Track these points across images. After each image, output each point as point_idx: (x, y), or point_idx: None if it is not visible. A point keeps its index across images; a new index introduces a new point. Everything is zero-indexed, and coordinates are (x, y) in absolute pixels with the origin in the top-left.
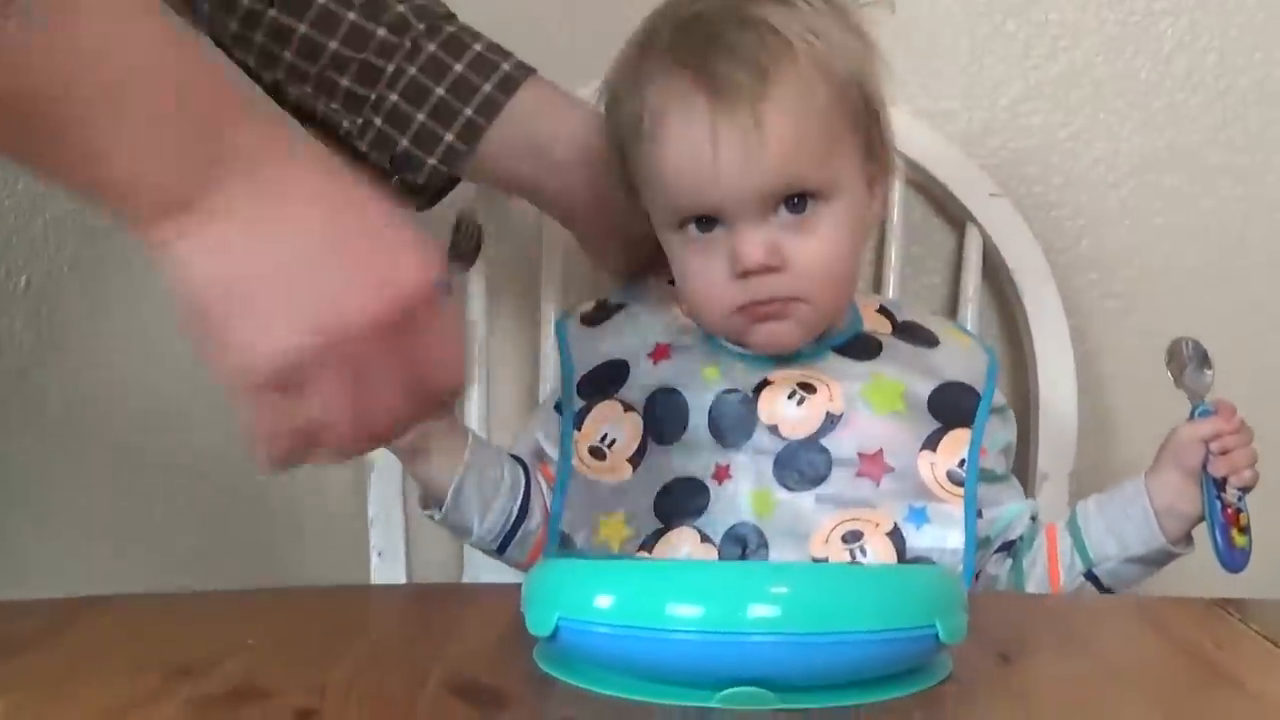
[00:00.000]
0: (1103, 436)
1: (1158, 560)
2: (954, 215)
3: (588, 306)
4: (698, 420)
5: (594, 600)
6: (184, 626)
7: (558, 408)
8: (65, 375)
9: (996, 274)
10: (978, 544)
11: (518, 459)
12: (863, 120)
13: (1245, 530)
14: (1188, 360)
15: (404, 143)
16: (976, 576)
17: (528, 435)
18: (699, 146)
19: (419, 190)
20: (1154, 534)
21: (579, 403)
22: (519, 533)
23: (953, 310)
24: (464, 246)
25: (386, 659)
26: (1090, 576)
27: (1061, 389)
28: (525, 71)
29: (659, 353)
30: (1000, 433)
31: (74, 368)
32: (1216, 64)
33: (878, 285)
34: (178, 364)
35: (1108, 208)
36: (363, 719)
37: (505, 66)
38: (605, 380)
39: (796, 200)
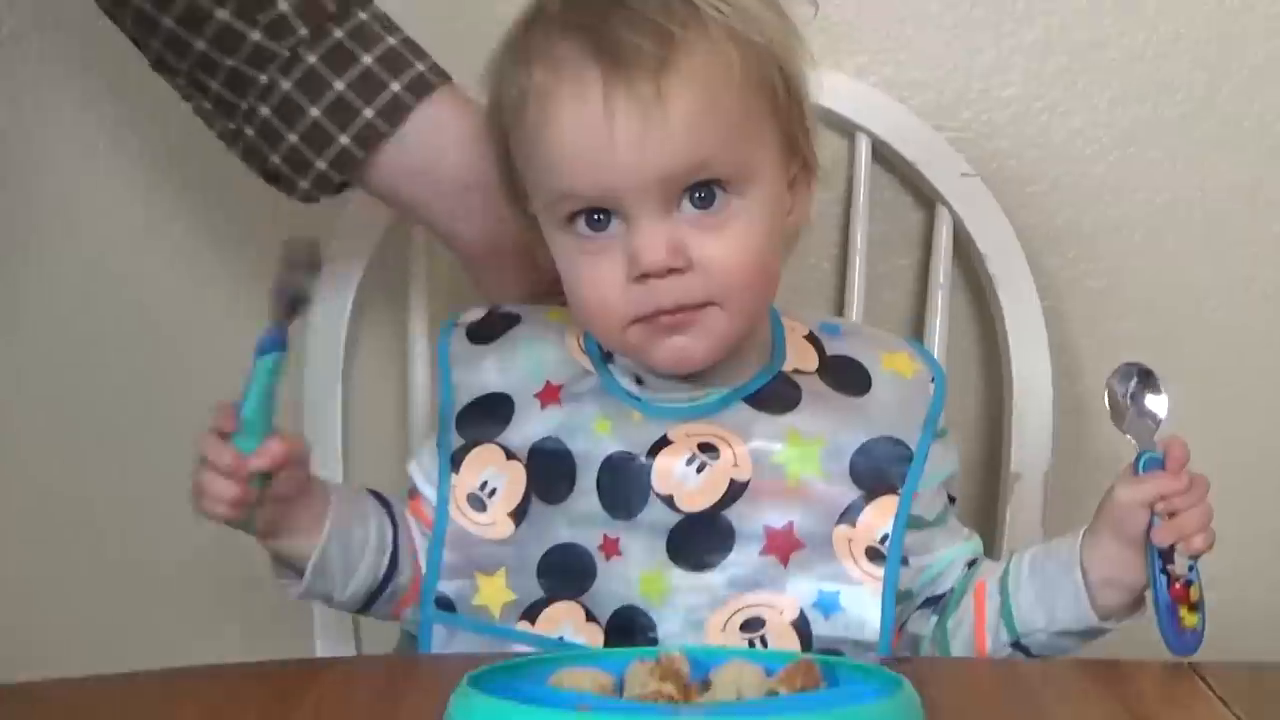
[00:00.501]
0: (1080, 429)
1: (1092, 635)
2: (923, 194)
3: (475, 316)
4: (585, 484)
5: None
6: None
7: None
8: None
9: (968, 256)
10: (897, 602)
11: (381, 499)
12: (783, 107)
13: (1197, 607)
14: (1128, 395)
15: (288, 143)
16: (900, 631)
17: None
18: (592, 122)
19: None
20: (1085, 612)
21: (457, 440)
22: (386, 591)
23: (922, 296)
24: (297, 281)
25: None
26: (1018, 646)
27: (1037, 384)
28: (439, 78)
29: (548, 394)
30: (940, 465)
31: None
32: (1204, 28)
33: (843, 268)
34: None
35: (1087, 183)
36: None
37: (420, 67)
38: (487, 418)
39: (703, 192)
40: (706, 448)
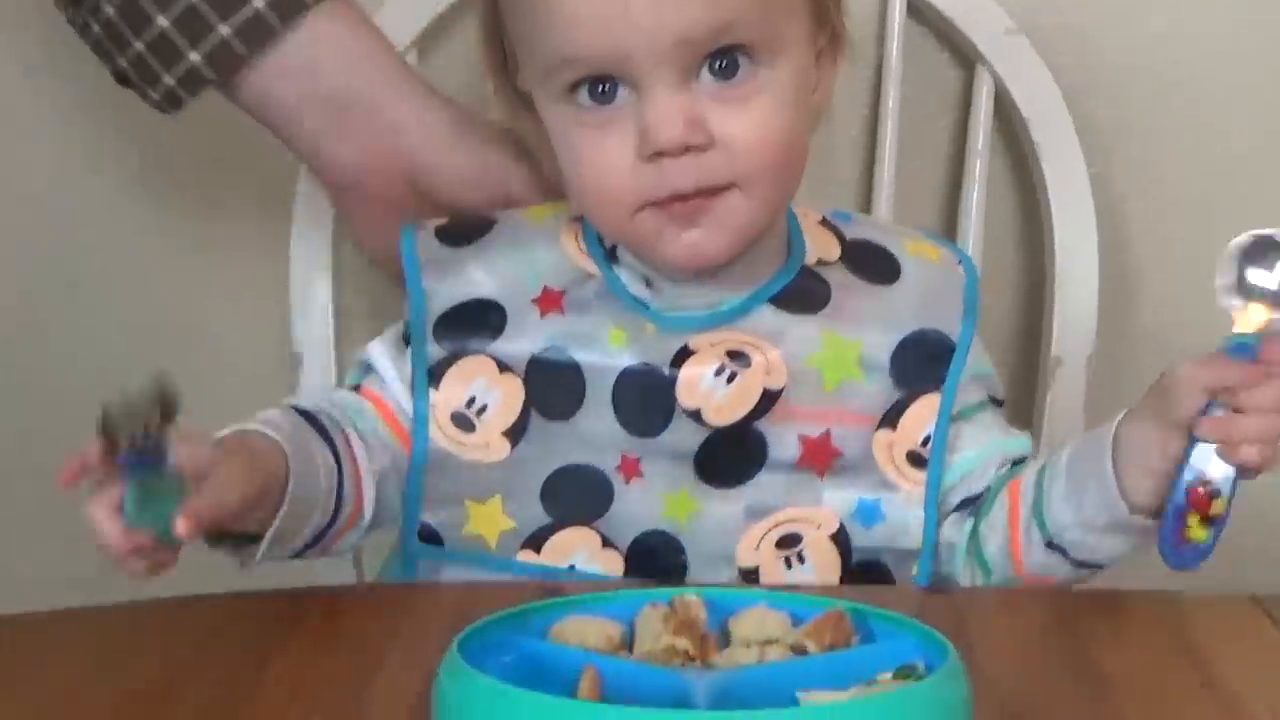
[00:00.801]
0: (1127, 307)
1: (1129, 532)
2: (962, 53)
3: (440, 220)
4: (598, 397)
5: None
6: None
7: (406, 341)
8: None
9: (1010, 121)
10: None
11: (315, 424)
12: None
13: (1212, 522)
14: (1243, 264)
15: (134, 50)
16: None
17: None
18: None
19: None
20: (1113, 500)
21: (436, 351)
22: (330, 531)
23: (958, 164)
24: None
25: None
26: (1053, 546)
27: (1081, 259)
28: None
29: (547, 300)
30: (978, 357)
31: None
32: None
33: (873, 132)
34: None
35: (1141, 38)
36: None
37: None
38: (473, 326)
39: (725, 61)
40: (736, 355)
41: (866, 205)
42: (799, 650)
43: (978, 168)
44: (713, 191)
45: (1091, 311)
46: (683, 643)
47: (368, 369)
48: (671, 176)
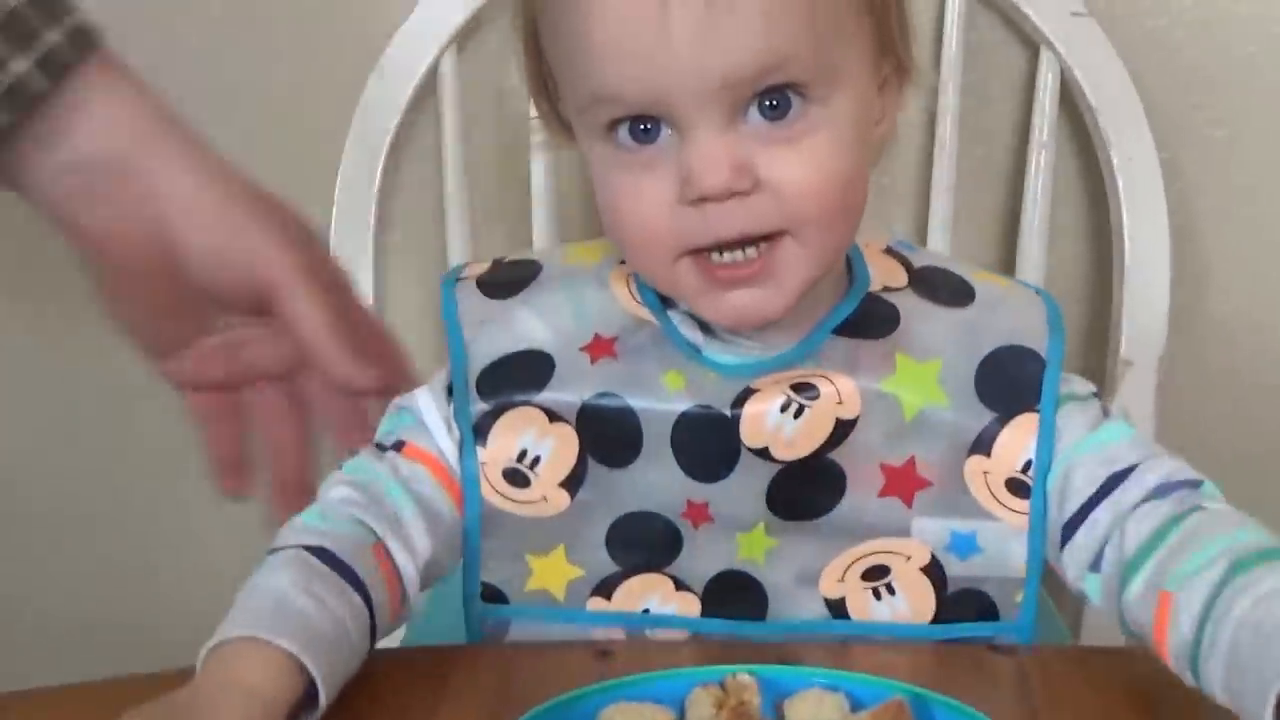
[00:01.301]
0: (1196, 304)
1: None
2: (1026, 35)
3: (481, 267)
4: (657, 443)
5: None
6: None
7: (449, 391)
8: None
9: (1075, 108)
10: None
11: (335, 563)
12: (883, 2)
13: None
14: None
15: None
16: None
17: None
18: (640, 9)
19: None
20: None
21: (480, 406)
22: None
23: (1022, 153)
24: None
25: None
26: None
27: (1153, 255)
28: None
29: (598, 347)
30: (1069, 386)
31: None
32: None
33: (931, 121)
34: None
35: (1214, 17)
36: None
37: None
38: (518, 378)
39: (775, 99)
40: (801, 387)
41: (925, 199)
42: None
43: (1042, 158)
44: (764, 239)
45: (1163, 310)
46: None
47: (414, 420)
48: (714, 223)
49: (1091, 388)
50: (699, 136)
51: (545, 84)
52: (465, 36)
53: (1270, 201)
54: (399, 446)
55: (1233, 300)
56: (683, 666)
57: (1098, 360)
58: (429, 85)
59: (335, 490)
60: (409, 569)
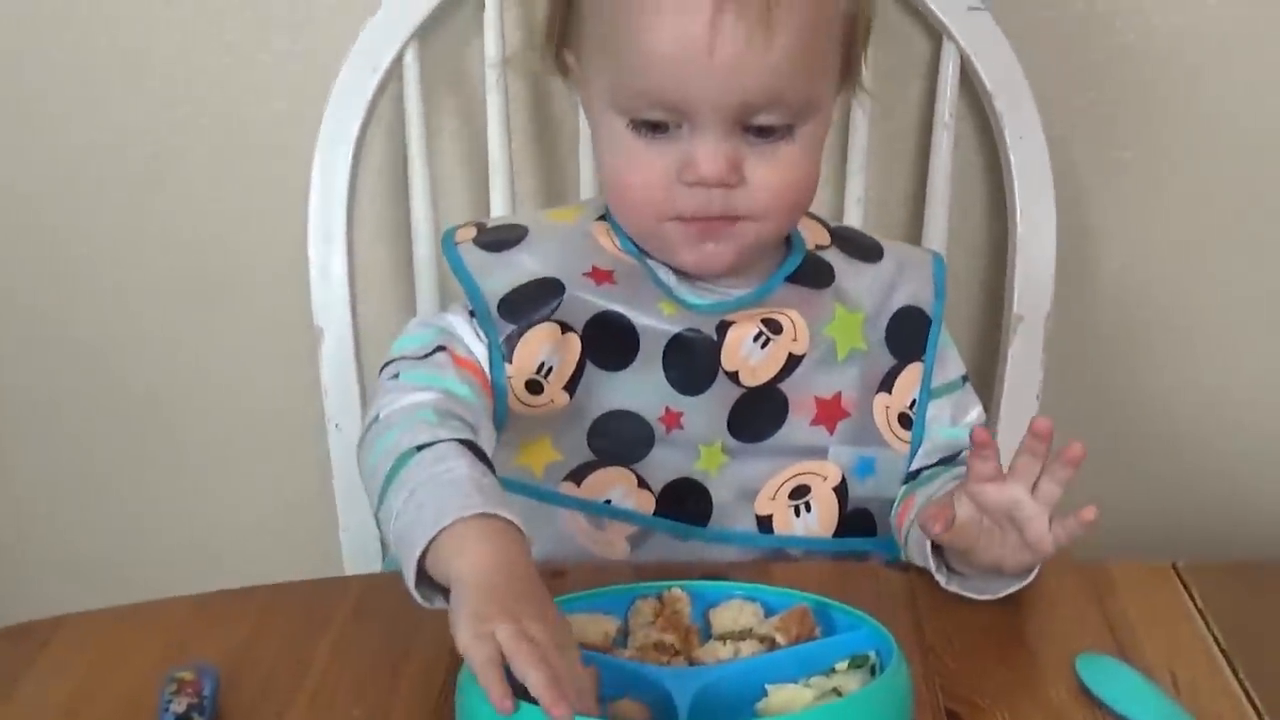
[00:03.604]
0: (1083, 265)
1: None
2: (931, 26)
3: (470, 231)
4: (650, 353)
5: None
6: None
7: (472, 314)
8: None
9: (975, 92)
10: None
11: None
12: (858, 34)
13: None
14: None
15: None
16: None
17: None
18: (695, 31)
19: None
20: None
21: (505, 326)
22: None
23: (927, 130)
24: None
25: None
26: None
27: (1041, 223)
28: None
29: (599, 275)
30: (944, 334)
31: None
32: None
33: (845, 105)
34: None
35: (1099, 8)
36: None
37: None
38: (535, 300)
39: (770, 119)
40: (769, 322)
41: (841, 169)
42: (769, 642)
43: (945, 137)
44: (733, 219)
45: (1049, 271)
46: (669, 638)
47: (447, 332)
48: (703, 201)
49: (962, 370)
50: (707, 136)
51: (563, 28)
52: (426, 30)
53: (1146, 174)
54: (440, 350)
55: (1116, 260)
56: (625, 583)
57: (994, 316)
58: (394, 72)
59: (416, 395)
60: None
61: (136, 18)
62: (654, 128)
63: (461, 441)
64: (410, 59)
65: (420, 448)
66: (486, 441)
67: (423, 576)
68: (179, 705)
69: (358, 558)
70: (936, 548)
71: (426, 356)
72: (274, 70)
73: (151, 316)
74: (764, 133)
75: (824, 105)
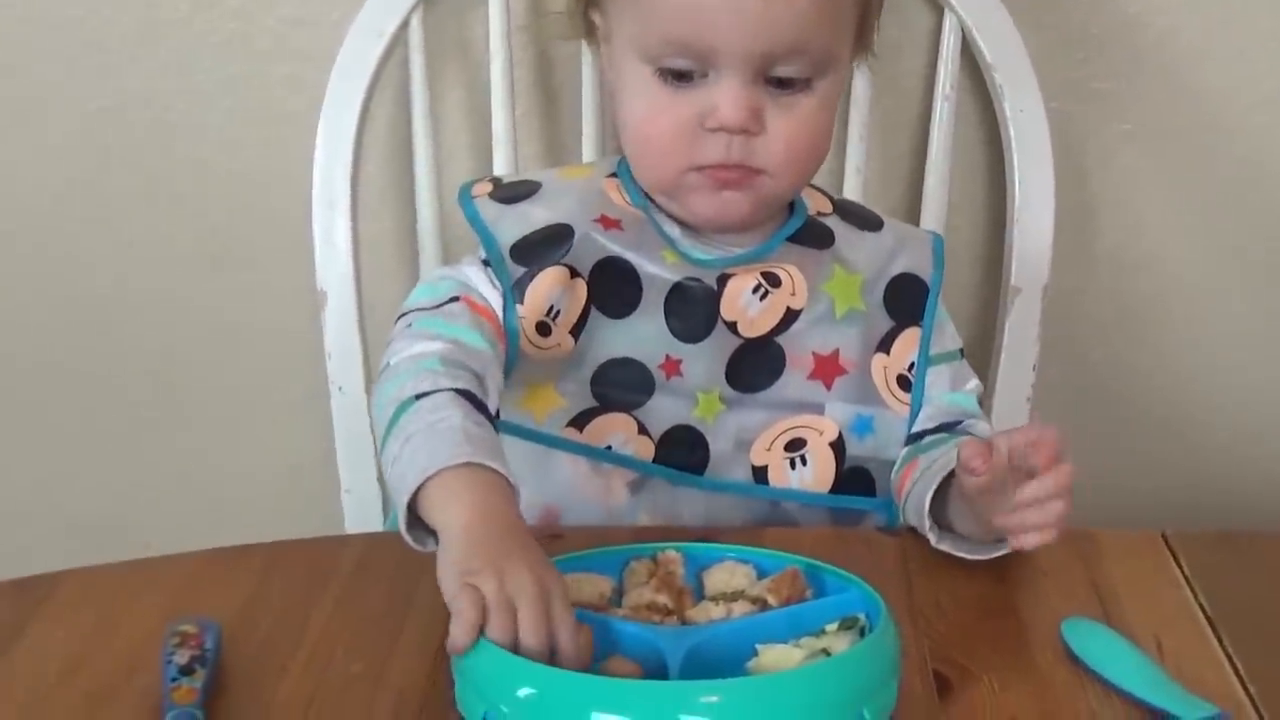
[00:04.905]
0: (1082, 237)
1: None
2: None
3: (485, 186)
4: (653, 301)
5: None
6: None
7: (485, 263)
8: None
9: (975, 65)
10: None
11: (482, 407)
12: (871, 3)
13: None
14: None
15: None
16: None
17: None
18: None
19: None
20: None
21: (517, 270)
22: None
23: (928, 103)
24: None
25: None
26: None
27: (1039, 196)
28: None
29: (607, 222)
30: (942, 308)
31: None
32: None
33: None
34: None
35: None
36: None
37: None
38: (546, 245)
39: (790, 70)
40: (768, 276)
41: (842, 139)
42: (760, 603)
43: (945, 109)
44: (751, 170)
45: (1047, 244)
46: (662, 599)
47: (461, 283)
48: (723, 149)
49: (959, 344)
50: (732, 83)
51: None
52: None
53: (1146, 148)
54: (454, 300)
55: (1114, 234)
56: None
57: (992, 287)
58: (399, 39)
59: (425, 344)
60: (493, 407)
61: None
62: (679, 76)
63: (460, 391)
64: (415, 26)
65: (419, 396)
66: (494, 389)
67: (417, 521)
68: (181, 657)
69: (360, 520)
70: (934, 504)
71: (440, 306)
72: (279, 36)
73: (157, 279)
74: (784, 84)
75: (841, 62)
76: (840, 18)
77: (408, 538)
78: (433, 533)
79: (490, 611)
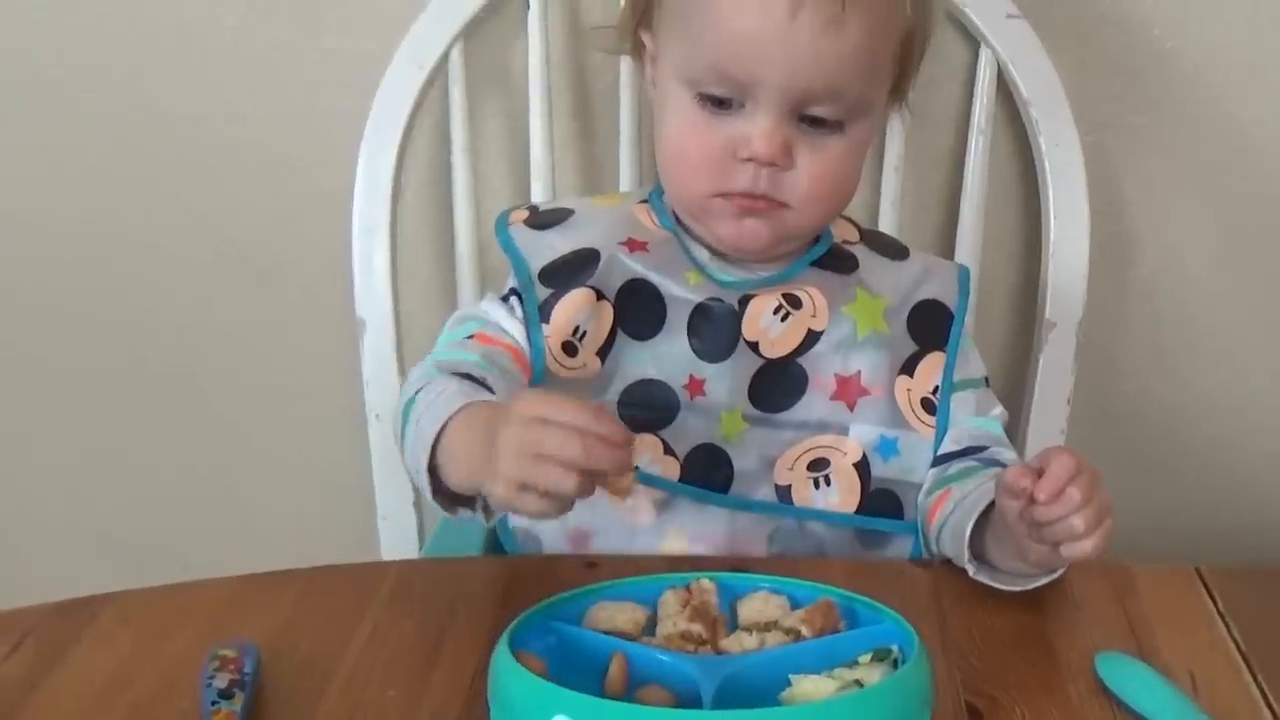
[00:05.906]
0: (1118, 271)
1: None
2: (968, 34)
3: (523, 214)
4: (676, 322)
5: None
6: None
7: (504, 299)
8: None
9: (1011, 99)
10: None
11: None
12: (914, 54)
13: None
14: None
15: None
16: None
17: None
18: (774, 15)
19: None
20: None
21: (544, 292)
22: None
23: (964, 136)
24: None
25: None
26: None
27: (1074, 230)
28: None
29: (633, 245)
30: (967, 337)
31: None
32: None
33: None
34: None
35: (1135, 18)
36: None
37: None
38: (573, 268)
39: (823, 111)
40: (790, 298)
41: (878, 171)
42: (794, 634)
43: (980, 142)
44: (776, 202)
45: (1082, 278)
46: (696, 628)
47: (482, 323)
48: (751, 179)
49: (984, 372)
50: (769, 117)
51: (645, 7)
52: (472, 29)
53: (1186, 181)
54: (470, 338)
55: (1149, 267)
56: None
57: (1026, 321)
58: (440, 69)
59: (428, 369)
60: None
61: (189, 16)
62: (718, 104)
63: (454, 373)
64: (456, 57)
65: (420, 390)
66: (498, 387)
67: (443, 489)
68: (221, 681)
69: (396, 547)
70: (974, 536)
71: (455, 344)
72: (322, 67)
73: (197, 305)
74: (816, 124)
75: (875, 109)
76: (877, 66)
77: (437, 504)
78: (459, 499)
79: (521, 492)
